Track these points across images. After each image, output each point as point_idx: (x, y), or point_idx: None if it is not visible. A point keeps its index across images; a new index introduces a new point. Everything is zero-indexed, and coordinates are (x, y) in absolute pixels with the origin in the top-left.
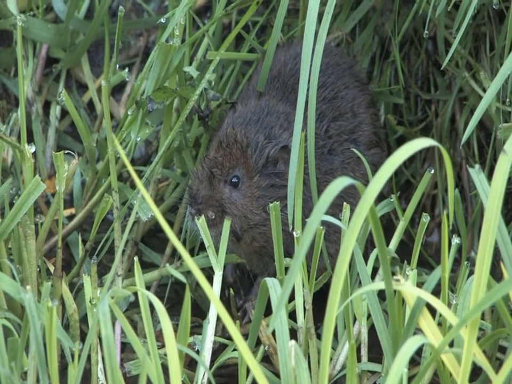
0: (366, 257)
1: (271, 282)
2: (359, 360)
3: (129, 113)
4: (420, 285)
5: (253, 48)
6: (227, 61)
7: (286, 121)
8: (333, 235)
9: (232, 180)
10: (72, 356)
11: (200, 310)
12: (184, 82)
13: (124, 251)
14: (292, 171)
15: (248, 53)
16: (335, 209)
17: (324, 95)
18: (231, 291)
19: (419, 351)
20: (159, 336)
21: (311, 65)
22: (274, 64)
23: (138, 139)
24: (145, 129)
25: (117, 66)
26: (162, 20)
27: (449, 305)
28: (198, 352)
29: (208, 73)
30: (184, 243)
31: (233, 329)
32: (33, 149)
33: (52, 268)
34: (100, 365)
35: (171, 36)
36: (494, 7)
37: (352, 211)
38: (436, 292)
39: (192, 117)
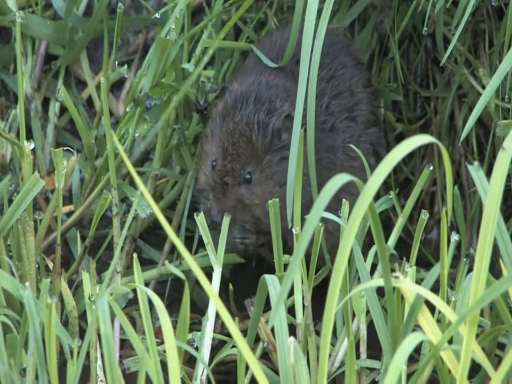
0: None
1: (270, 279)
2: (358, 357)
3: (128, 110)
4: (419, 282)
5: (251, 42)
6: (225, 56)
7: (286, 93)
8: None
9: (246, 177)
10: (71, 352)
11: (197, 307)
12: (181, 78)
13: (122, 248)
14: (291, 166)
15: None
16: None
17: (321, 75)
18: (230, 287)
19: (418, 349)
20: (158, 333)
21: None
22: (271, 49)
23: (136, 135)
24: (144, 125)
25: (116, 63)
26: (157, 15)
27: (448, 302)
28: (197, 348)
29: (202, 63)
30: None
31: (232, 326)
32: (32, 146)
33: (50, 265)
34: (99, 362)
35: (169, 31)
36: (493, 3)
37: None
38: (435, 289)
39: (191, 114)
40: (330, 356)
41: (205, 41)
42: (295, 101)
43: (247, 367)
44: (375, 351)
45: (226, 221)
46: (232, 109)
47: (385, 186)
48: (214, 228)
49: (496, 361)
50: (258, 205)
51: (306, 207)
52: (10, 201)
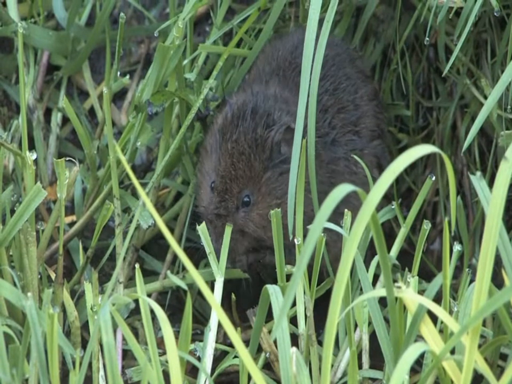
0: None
1: (272, 289)
2: (360, 367)
3: (130, 119)
4: (421, 292)
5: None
6: (228, 67)
7: (284, 104)
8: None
9: (244, 200)
10: (74, 363)
11: (200, 317)
12: (184, 86)
13: (124, 258)
14: (292, 176)
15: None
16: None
17: (325, 87)
18: (233, 297)
19: (419, 361)
20: (160, 343)
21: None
22: (273, 57)
23: (138, 143)
24: (145, 134)
25: (118, 73)
26: (155, 34)
27: (450, 312)
28: (199, 359)
29: (212, 79)
30: (184, 250)
31: (234, 336)
32: (34, 156)
33: (53, 275)
34: (101, 372)
35: (173, 41)
36: (495, 14)
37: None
38: (437, 299)
39: (193, 123)
40: (332, 366)
41: (201, 47)
42: (294, 112)
43: (249, 377)
44: (377, 361)
45: (228, 231)
46: (231, 125)
47: (388, 197)
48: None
49: (499, 372)
50: (258, 227)
51: (307, 220)
52: (12, 211)
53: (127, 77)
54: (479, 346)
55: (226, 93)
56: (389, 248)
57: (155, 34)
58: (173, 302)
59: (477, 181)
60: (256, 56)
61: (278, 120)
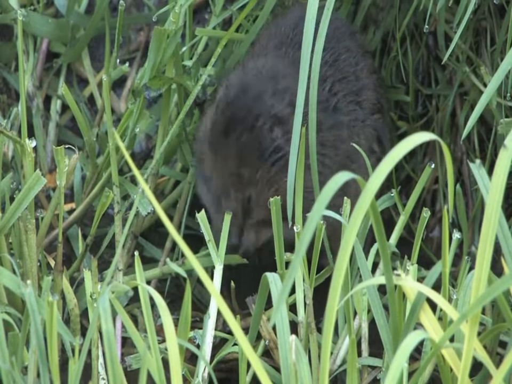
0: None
1: (271, 277)
2: (359, 355)
3: (129, 105)
4: (420, 280)
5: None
6: (227, 54)
7: (277, 84)
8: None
9: (246, 198)
10: (73, 350)
11: (199, 305)
12: (182, 73)
13: (124, 245)
14: (291, 166)
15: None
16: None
17: (325, 59)
18: (232, 284)
19: (418, 349)
20: (160, 330)
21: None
22: (275, 35)
23: (137, 130)
24: (144, 120)
25: (118, 61)
26: (154, 19)
27: (449, 300)
28: (198, 346)
29: (210, 65)
30: (183, 238)
31: (233, 323)
32: (33, 144)
33: (52, 263)
34: (101, 360)
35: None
36: (494, 1)
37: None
38: (437, 287)
39: (192, 111)
40: (331, 353)
41: (198, 31)
42: (287, 86)
43: (248, 365)
44: (376, 349)
45: (227, 219)
46: (222, 114)
47: (387, 184)
48: None
49: (498, 360)
50: (262, 209)
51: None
52: (12, 199)
53: (127, 64)
54: (478, 334)
55: (219, 77)
56: (388, 236)
57: (153, 19)
58: (172, 289)
59: (476, 169)
60: (256, 36)
61: (269, 107)
